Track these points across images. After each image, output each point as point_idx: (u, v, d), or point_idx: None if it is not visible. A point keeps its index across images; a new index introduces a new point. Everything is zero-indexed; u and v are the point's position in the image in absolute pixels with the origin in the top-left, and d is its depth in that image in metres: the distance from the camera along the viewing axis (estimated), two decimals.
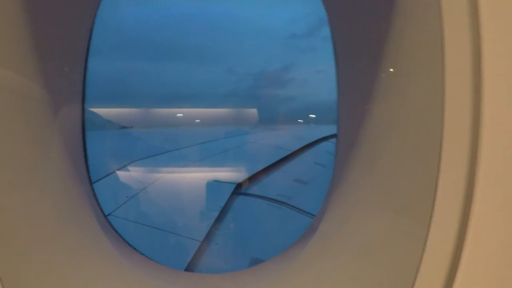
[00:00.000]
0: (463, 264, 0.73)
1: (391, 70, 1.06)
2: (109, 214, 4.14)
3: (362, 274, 1.09)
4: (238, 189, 5.51)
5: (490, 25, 0.71)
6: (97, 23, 1.39)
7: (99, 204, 1.46)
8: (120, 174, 5.56)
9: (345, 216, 1.28)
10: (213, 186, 5.68)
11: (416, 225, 0.85)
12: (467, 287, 0.74)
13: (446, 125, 0.76)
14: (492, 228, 0.73)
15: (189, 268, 3.34)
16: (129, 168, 5.97)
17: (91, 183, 1.44)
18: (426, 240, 0.79)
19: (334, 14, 1.35)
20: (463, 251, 0.73)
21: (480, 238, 0.73)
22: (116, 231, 1.49)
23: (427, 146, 0.84)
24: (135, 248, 1.53)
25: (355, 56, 1.32)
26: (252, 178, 5.90)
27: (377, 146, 1.13)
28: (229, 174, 6.24)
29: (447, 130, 0.76)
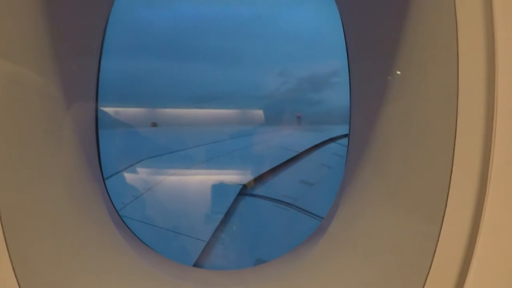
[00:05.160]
0: (475, 265, 0.73)
1: (398, 72, 1.07)
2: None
3: (372, 274, 1.09)
4: (244, 189, 5.51)
5: (504, 26, 0.71)
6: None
7: (111, 200, 1.48)
8: (126, 174, 5.58)
9: (356, 215, 1.28)
10: (219, 186, 5.68)
11: (428, 225, 0.85)
12: (478, 287, 0.74)
13: (459, 124, 0.76)
14: (505, 228, 0.73)
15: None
16: (135, 168, 5.98)
17: (103, 179, 1.46)
18: (438, 240, 0.79)
19: (347, 15, 1.36)
20: (475, 251, 0.73)
21: (492, 238, 0.73)
22: (128, 227, 1.51)
23: (439, 146, 0.85)
24: (145, 243, 1.55)
25: (368, 57, 1.32)
26: (258, 179, 5.89)
27: (389, 146, 1.13)
28: (235, 174, 6.24)
29: (460, 129, 0.76)
